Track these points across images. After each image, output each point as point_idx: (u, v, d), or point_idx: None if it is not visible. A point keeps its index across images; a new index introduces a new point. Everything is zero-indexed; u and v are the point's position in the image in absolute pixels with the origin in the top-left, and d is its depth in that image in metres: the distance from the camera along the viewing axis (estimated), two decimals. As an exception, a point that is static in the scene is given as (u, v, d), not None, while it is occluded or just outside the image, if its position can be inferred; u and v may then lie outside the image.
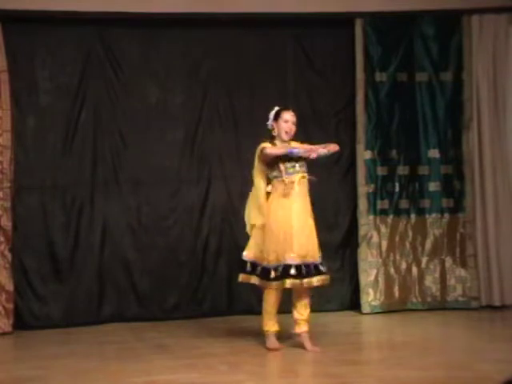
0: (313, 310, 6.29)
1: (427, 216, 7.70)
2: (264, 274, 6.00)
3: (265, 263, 6.00)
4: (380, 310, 7.57)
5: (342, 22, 7.65)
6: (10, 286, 7.05)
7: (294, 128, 6.13)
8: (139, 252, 7.51)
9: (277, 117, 6.14)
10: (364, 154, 7.64)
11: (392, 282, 7.64)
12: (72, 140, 7.41)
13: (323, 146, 6.03)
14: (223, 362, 5.77)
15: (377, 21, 7.63)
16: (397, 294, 7.64)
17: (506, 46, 7.73)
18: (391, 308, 7.59)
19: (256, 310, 7.43)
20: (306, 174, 6.06)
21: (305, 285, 5.92)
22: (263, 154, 6.02)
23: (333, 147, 6.06)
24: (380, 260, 7.63)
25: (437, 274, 7.67)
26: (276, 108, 6.21)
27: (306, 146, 6.06)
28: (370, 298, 7.58)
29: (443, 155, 7.71)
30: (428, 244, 7.70)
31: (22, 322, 7.18)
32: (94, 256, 7.40)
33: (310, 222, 6.09)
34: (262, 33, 7.65)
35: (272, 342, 6.06)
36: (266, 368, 5.61)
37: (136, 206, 7.54)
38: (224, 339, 6.53)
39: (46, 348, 6.45)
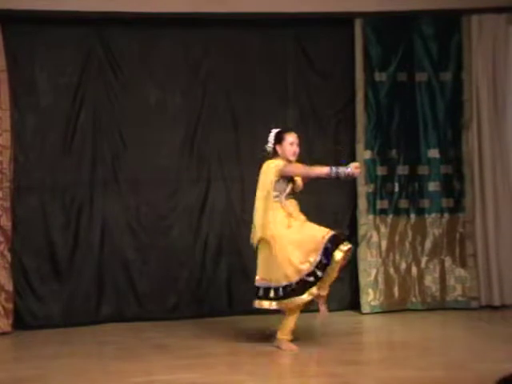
0: (313, 309, 6.29)
1: (427, 216, 7.70)
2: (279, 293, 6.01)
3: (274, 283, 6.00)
4: (380, 310, 7.57)
5: (341, 22, 7.65)
6: (9, 286, 7.05)
7: (298, 150, 6.16)
8: (139, 252, 7.51)
9: (280, 139, 6.15)
10: (364, 154, 7.64)
11: (392, 281, 7.64)
12: (71, 140, 7.41)
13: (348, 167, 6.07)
14: (223, 362, 5.78)
15: (376, 21, 7.63)
16: (396, 293, 7.64)
17: (505, 45, 7.73)
18: (391, 308, 7.59)
19: (256, 310, 7.44)
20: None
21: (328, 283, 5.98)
22: (303, 173, 6.03)
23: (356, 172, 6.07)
24: (379, 260, 7.63)
25: (436, 274, 7.66)
26: (275, 130, 6.21)
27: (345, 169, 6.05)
28: (370, 297, 7.58)
29: (443, 155, 7.71)
30: (428, 244, 7.70)
31: (22, 322, 7.18)
32: (94, 256, 7.40)
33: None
34: (262, 33, 7.65)
35: (288, 345, 6.05)
36: (266, 368, 5.60)
37: (135, 205, 7.54)
38: (224, 339, 6.52)
39: (46, 348, 6.44)
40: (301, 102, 7.68)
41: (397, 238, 7.67)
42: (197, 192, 7.63)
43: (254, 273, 7.26)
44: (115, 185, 7.50)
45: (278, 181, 6.07)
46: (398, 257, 7.66)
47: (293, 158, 6.16)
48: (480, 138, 7.67)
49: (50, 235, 7.34)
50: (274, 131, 6.20)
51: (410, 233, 7.70)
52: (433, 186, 7.72)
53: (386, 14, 7.60)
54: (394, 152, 7.69)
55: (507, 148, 7.73)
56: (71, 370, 5.62)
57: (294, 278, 5.91)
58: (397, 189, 7.69)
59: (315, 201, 7.31)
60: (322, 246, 5.89)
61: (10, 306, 7.04)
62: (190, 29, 7.55)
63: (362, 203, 7.64)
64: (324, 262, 5.88)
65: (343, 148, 7.67)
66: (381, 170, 7.69)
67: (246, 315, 7.35)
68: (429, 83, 7.72)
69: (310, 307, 6.35)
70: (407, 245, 7.69)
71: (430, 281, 7.66)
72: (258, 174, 7.40)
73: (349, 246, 5.95)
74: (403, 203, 7.70)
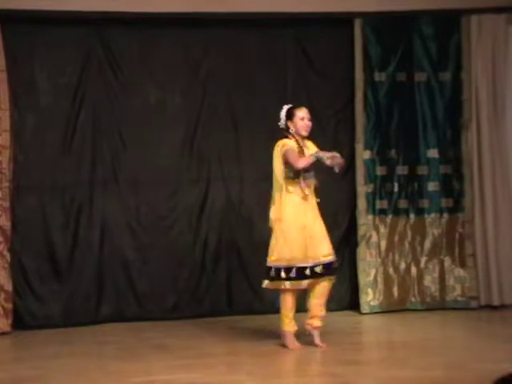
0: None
1: (426, 216, 7.70)
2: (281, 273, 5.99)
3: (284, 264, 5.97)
4: (379, 310, 7.57)
5: (341, 22, 7.66)
6: (8, 286, 7.05)
7: (310, 124, 6.15)
8: (138, 252, 7.52)
9: (291, 115, 6.13)
10: (363, 154, 7.64)
11: (391, 281, 7.64)
12: (71, 140, 7.41)
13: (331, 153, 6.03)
14: (223, 361, 5.77)
15: (376, 21, 7.63)
16: (396, 293, 7.64)
17: (505, 45, 7.74)
18: (390, 308, 7.59)
19: (256, 309, 7.45)
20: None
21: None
22: (291, 163, 5.97)
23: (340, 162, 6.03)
24: (379, 260, 7.64)
25: (436, 274, 7.67)
26: (286, 107, 6.19)
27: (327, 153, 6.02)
28: (369, 297, 7.59)
29: (442, 155, 7.72)
30: (427, 244, 7.70)
31: (21, 322, 7.18)
32: (93, 256, 7.40)
33: (320, 223, 6.10)
34: (262, 33, 7.66)
35: (291, 341, 6.03)
36: (266, 368, 5.60)
37: (135, 205, 7.54)
38: (223, 339, 6.53)
39: (45, 348, 6.44)
40: (300, 101, 7.62)
41: (396, 238, 7.68)
42: (197, 192, 7.64)
43: (253, 273, 7.30)
44: (115, 185, 7.50)
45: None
46: (397, 257, 7.67)
47: (305, 133, 6.14)
48: (479, 138, 7.68)
49: (50, 235, 7.34)
50: (285, 107, 6.19)
51: (409, 233, 7.70)
52: (432, 186, 7.72)
53: (385, 14, 7.60)
54: (393, 152, 7.70)
55: (506, 148, 7.74)
56: (71, 370, 5.62)
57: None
58: (396, 189, 7.69)
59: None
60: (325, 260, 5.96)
61: (9, 306, 7.04)
62: (190, 29, 7.55)
63: (362, 203, 7.64)
64: (323, 271, 5.93)
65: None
66: (380, 170, 7.70)
67: (246, 315, 7.37)
68: (428, 83, 7.72)
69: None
70: (406, 245, 7.70)
71: (430, 281, 7.66)
72: (257, 174, 7.45)
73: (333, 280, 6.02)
74: (402, 203, 7.70)
